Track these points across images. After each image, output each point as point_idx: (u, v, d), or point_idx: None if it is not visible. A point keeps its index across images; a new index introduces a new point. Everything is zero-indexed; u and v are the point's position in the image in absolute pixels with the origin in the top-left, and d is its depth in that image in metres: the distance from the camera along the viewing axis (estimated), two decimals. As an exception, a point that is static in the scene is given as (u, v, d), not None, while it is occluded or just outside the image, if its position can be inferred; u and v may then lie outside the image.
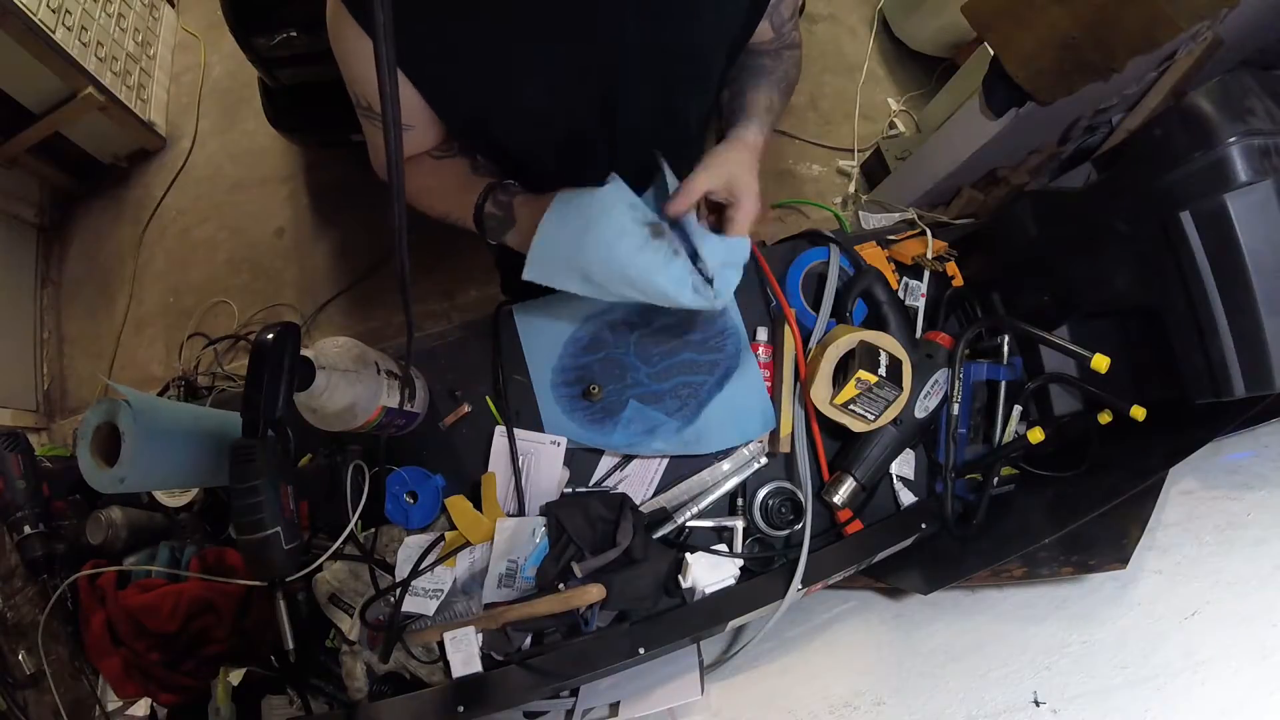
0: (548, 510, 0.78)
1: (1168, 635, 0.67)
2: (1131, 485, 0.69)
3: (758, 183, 0.72)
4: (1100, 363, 0.74)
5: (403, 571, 0.77)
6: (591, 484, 0.85)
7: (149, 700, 0.81)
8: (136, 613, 0.78)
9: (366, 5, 0.34)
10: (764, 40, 0.80)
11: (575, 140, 0.75)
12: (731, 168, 0.70)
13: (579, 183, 0.71)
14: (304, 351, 0.61)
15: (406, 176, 0.76)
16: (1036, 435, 0.79)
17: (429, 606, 0.76)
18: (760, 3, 0.72)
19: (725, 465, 0.84)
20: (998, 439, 0.85)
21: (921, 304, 0.91)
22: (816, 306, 0.88)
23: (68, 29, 1.95)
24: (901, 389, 0.78)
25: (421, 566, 0.76)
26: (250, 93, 2.02)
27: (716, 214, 0.74)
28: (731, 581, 0.78)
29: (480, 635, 0.74)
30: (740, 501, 0.83)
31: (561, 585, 0.73)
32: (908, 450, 0.86)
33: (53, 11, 1.89)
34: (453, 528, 0.80)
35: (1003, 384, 0.85)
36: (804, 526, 0.78)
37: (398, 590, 0.75)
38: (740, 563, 0.80)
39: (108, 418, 0.63)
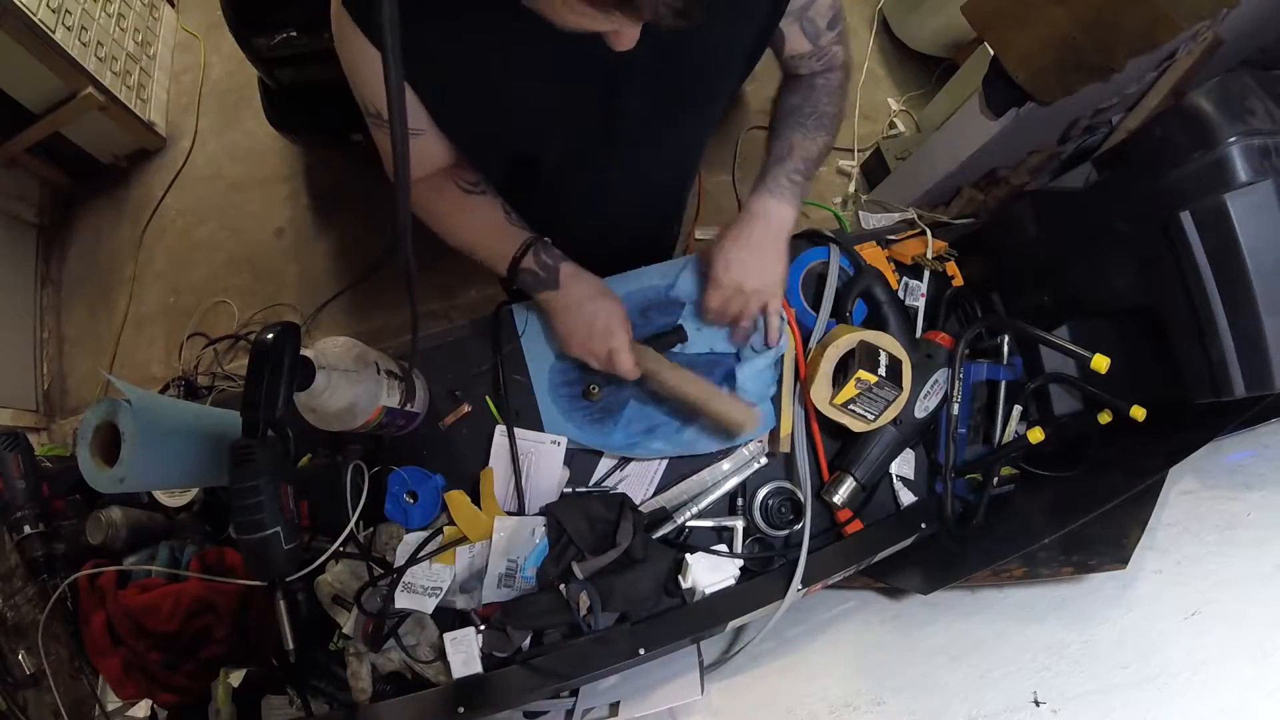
0: (547, 511, 0.78)
1: (1168, 635, 0.67)
2: (1131, 485, 0.69)
3: (735, 266, 0.77)
4: (1100, 363, 0.74)
5: (400, 562, 0.77)
6: (591, 484, 0.85)
7: (149, 700, 0.81)
8: (136, 613, 0.78)
9: (374, 18, 0.35)
10: (801, 53, 0.77)
11: (576, 147, 0.75)
12: (735, 277, 0.77)
13: (579, 190, 0.72)
14: (304, 351, 0.61)
15: (431, 199, 0.76)
16: (1036, 435, 0.79)
17: (427, 604, 0.76)
18: (776, 11, 0.69)
19: (725, 465, 0.84)
20: (998, 439, 0.85)
21: (921, 304, 0.91)
22: (816, 306, 0.88)
23: (68, 29, 1.95)
24: (901, 389, 0.78)
25: (420, 555, 0.77)
26: (250, 93, 2.02)
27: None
28: (731, 581, 0.78)
29: (480, 635, 0.74)
30: (740, 501, 0.83)
31: (562, 586, 0.74)
32: (908, 450, 0.86)
33: (53, 11, 1.89)
34: (452, 525, 0.80)
35: (1003, 384, 0.85)
36: (804, 526, 0.78)
37: (390, 578, 0.75)
38: (740, 563, 0.80)
39: (108, 418, 0.63)
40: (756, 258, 0.78)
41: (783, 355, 0.84)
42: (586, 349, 0.77)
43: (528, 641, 0.76)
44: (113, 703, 0.81)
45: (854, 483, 0.81)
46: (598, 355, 0.77)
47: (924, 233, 0.95)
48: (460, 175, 0.76)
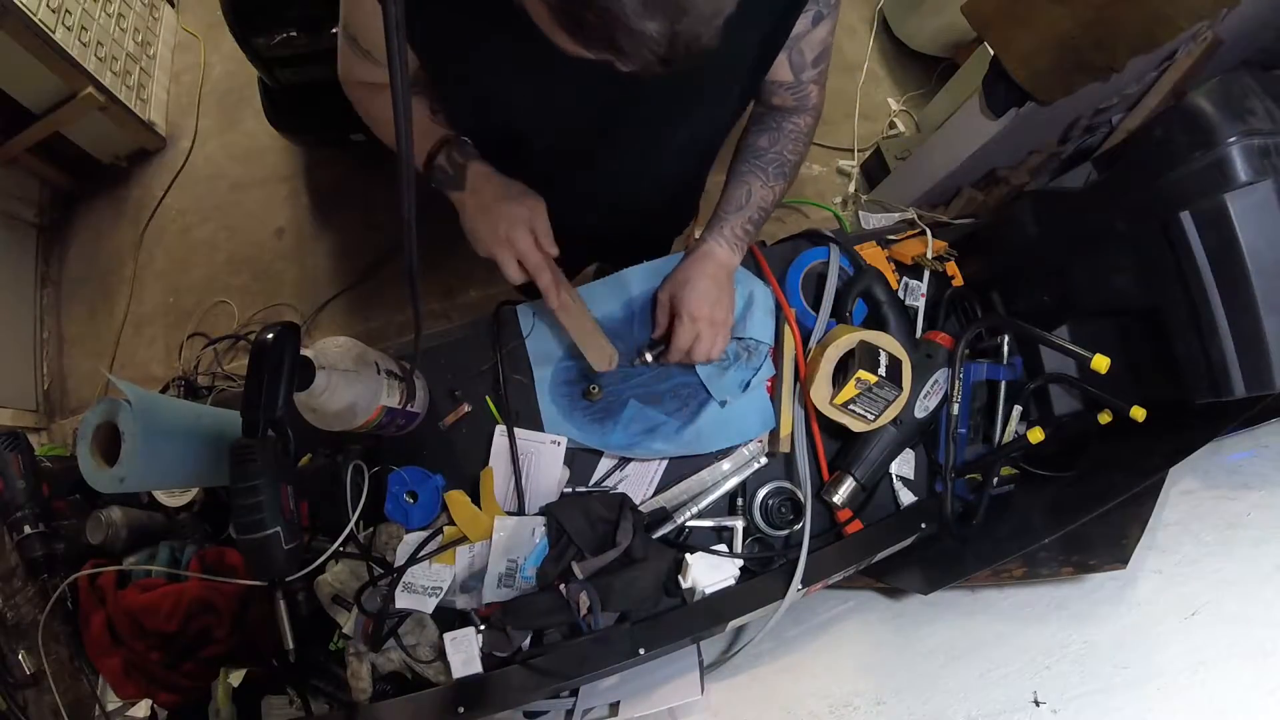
0: (547, 511, 0.78)
1: (1168, 635, 0.67)
2: (1131, 485, 0.69)
3: (707, 300, 0.77)
4: (1100, 363, 0.74)
5: (401, 562, 0.77)
6: (591, 484, 0.85)
7: (149, 700, 0.81)
8: (136, 613, 0.78)
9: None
10: (780, 81, 0.76)
11: (569, 141, 0.75)
12: (687, 306, 0.78)
13: (572, 183, 0.72)
14: (304, 351, 0.61)
15: (366, 102, 0.77)
16: (1036, 435, 0.79)
17: (427, 604, 0.76)
18: (787, 17, 0.67)
19: (725, 465, 0.84)
20: (998, 439, 0.85)
21: (921, 304, 0.91)
22: (816, 306, 0.88)
23: (68, 29, 1.94)
24: (901, 389, 0.78)
25: (420, 555, 0.77)
26: (250, 93, 2.01)
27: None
28: (731, 581, 0.78)
29: (480, 635, 0.74)
30: (740, 501, 0.83)
31: (562, 586, 0.74)
32: (908, 450, 0.86)
33: (53, 11, 1.88)
34: (452, 525, 0.80)
35: (1003, 384, 0.85)
36: (804, 526, 0.78)
37: (390, 577, 0.75)
38: (740, 563, 0.80)
39: (108, 417, 0.63)
40: (722, 293, 0.79)
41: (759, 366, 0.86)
42: (490, 250, 0.74)
43: (528, 641, 0.76)
44: (113, 703, 0.81)
45: (854, 483, 0.81)
46: (499, 257, 0.74)
47: (924, 233, 0.95)
48: None
